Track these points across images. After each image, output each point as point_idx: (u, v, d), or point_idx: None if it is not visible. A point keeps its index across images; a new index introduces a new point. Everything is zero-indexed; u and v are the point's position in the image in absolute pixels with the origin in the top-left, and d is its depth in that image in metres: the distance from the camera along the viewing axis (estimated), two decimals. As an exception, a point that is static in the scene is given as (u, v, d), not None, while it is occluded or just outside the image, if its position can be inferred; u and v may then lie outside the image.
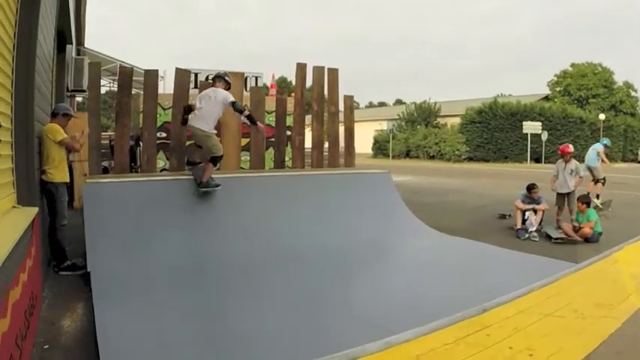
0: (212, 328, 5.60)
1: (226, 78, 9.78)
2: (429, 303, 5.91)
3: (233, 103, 9.37)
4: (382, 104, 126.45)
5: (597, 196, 15.93)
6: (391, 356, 2.67)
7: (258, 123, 9.62)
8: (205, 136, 9.22)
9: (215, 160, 9.33)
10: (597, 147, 17.15)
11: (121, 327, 5.40)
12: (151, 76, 10.31)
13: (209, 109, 9.29)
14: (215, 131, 9.55)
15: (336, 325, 5.79)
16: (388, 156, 58.70)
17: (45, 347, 5.02)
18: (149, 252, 7.58)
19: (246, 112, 9.46)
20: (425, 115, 62.50)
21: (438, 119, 62.19)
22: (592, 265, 4.79)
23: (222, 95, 9.36)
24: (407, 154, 57.95)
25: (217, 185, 9.16)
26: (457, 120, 55.86)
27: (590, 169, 16.53)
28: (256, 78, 14.04)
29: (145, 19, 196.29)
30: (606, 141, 18.11)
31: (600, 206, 15.17)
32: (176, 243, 7.88)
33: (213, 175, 9.27)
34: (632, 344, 2.73)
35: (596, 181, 16.69)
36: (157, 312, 5.90)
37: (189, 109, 9.52)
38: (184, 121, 9.63)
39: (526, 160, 51.58)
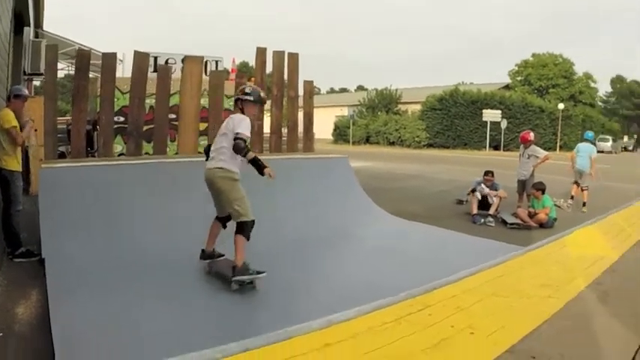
0: (169, 314, 5.56)
1: (246, 98, 7.18)
2: (385, 286, 5.96)
3: (236, 138, 6.71)
4: (343, 90, 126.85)
5: (584, 204, 15.39)
6: (332, 334, 2.68)
7: (265, 170, 6.73)
8: (227, 178, 6.83)
9: (242, 228, 6.69)
10: (591, 152, 15.40)
11: (75, 314, 5.33)
12: (109, 58, 10.07)
13: (226, 142, 6.90)
14: (238, 177, 6.99)
15: (290, 309, 5.81)
16: (349, 142, 58.89)
17: None
18: (105, 238, 7.45)
19: (250, 156, 6.72)
20: (386, 102, 62.93)
21: (399, 106, 62.64)
22: (541, 248, 4.89)
23: (233, 122, 6.93)
24: (367, 140, 58.28)
25: (260, 272, 6.50)
26: (418, 107, 56.28)
27: (581, 173, 15.25)
28: (216, 62, 13.95)
29: (111, 3, 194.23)
30: (591, 135, 16.53)
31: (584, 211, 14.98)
32: (133, 229, 7.78)
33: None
34: (574, 323, 2.79)
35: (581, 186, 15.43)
36: (112, 299, 5.83)
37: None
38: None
39: (485, 148, 52.27)
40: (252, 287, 6.50)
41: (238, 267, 6.43)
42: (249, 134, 6.85)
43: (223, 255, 7.20)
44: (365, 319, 2.68)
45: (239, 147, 6.62)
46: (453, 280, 3.50)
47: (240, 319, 5.58)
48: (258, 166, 6.75)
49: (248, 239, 6.68)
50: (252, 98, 7.17)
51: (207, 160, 7.22)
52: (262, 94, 7.46)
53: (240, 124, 6.80)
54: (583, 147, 15.43)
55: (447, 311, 2.82)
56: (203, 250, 7.24)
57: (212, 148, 7.13)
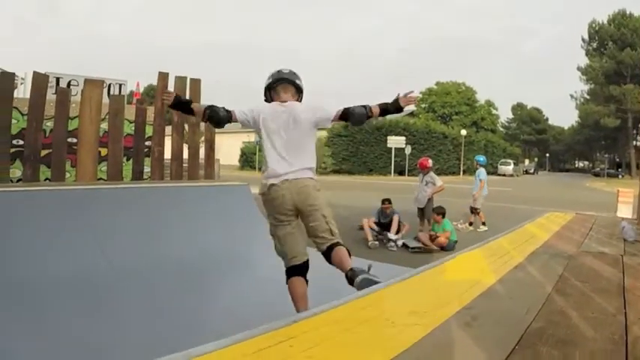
0: (61, 346, 5.54)
1: (297, 81, 5.86)
2: (278, 313, 6.09)
3: (345, 111, 5.62)
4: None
5: (483, 223, 15.98)
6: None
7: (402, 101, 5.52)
8: (316, 187, 5.57)
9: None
10: (480, 175, 16.25)
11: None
12: (7, 79, 9.86)
13: (300, 140, 5.60)
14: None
15: (187, 340, 5.86)
16: (255, 168, 58.84)
17: None
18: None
19: (376, 108, 5.58)
20: (292, 128, 63.05)
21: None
22: (418, 274, 5.02)
23: (307, 111, 5.66)
24: (273, 166, 58.27)
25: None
26: (324, 133, 56.70)
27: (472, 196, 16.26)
28: (120, 85, 13.82)
29: (15, 19, 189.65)
30: (482, 159, 16.94)
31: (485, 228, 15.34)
32: (27, 258, 7.62)
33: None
34: (433, 351, 2.92)
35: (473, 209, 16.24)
36: (2, 331, 5.75)
37: (227, 119, 5.75)
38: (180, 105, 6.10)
39: (390, 173, 53.18)
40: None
41: (357, 268, 5.16)
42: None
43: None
44: (227, 352, 2.75)
45: (358, 112, 5.56)
46: (323, 310, 3.59)
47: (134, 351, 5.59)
48: (387, 109, 5.73)
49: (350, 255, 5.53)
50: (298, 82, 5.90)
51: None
52: (300, 81, 5.91)
53: (323, 105, 5.82)
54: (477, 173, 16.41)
55: (307, 343, 2.90)
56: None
57: (283, 154, 5.46)
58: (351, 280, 5.09)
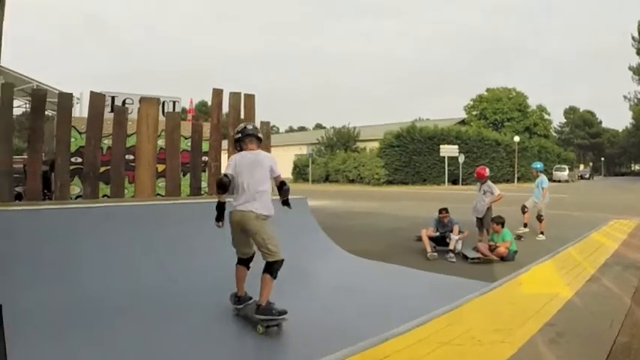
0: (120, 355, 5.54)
1: (258, 135, 7.41)
2: (340, 329, 6.01)
3: (282, 184, 7.28)
4: (302, 129, 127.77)
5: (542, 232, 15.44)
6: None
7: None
8: (261, 220, 6.90)
9: (271, 267, 6.78)
10: (543, 183, 15.79)
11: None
12: (65, 99, 10.04)
13: (263, 181, 7.04)
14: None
15: (243, 349, 5.81)
16: (308, 180, 58.88)
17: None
18: (63, 282, 7.28)
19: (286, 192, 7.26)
20: (344, 140, 63.14)
21: (357, 143, 62.84)
22: (496, 288, 4.92)
23: (270, 160, 7.23)
24: (326, 178, 58.29)
25: (282, 313, 6.45)
26: (376, 144, 56.55)
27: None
28: (174, 103, 13.91)
29: (67, 39, 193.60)
30: (539, 165, 16.72)
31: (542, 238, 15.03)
32: (91, 273, 7.67)
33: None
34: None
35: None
36: (72, 345, 5.77)
37: (221, 184, 7.05)
38: (221, 212, 7.18)
39: (444, 183, 52.74)
40: (277, 329, 6.51)
41: (263, 306, 6.49)
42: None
43: (251, 298, 7.17)
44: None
45: (288, 193, 7.36)
46: (410, 327, 3.52)
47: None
48: (287, 202, 7.39)
49: (274, 277, 6.77)
50: (259, 135, 7.52)
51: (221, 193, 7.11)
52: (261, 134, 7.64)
53: (276, 165, 7.25)
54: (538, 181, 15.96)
55: None
56: (237, 296, 7.27)
57: (243, 189, 6.99)
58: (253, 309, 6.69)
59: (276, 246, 6.83)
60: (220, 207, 7.08)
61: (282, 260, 6.80)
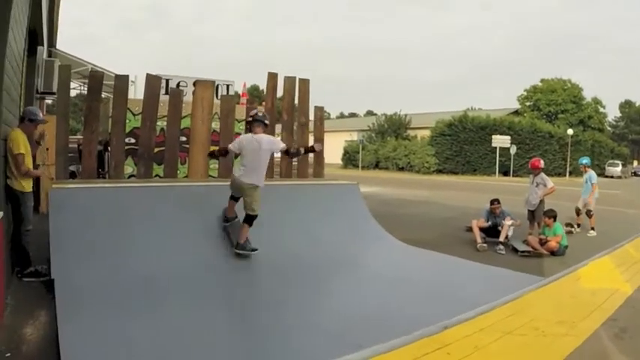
0: (179, 340, 5.54)
1: (265, 121, 8.97)
2: (395, 317, 5.94)
3: (287, 152, 9.52)
4: (353, 115, 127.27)
5: (592, 228, 15.09)
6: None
7: (316, 146, 9.70)
8: (253, 188, 8.59)
9: (251, 219, 8.60)
10: (592, 179, 15.64)
11: (84, 337, 5.31)
12: (122, 81, 10.19)
13: (260, 160, 8.74)
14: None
15: (301, 338, 5.78)
16: (358, 167, 58.78)
17: (7, 355, 4.92)
18: (115, 260, 7.36)
19: (302, 151, 9.78)
20: (395, 127, 62.84)
21: (408, 131, 62.51)
22: (555, 281, 4.83)
23: (268, 143, 8.78)
24: (376, 165, 58.05)
25: (254, 249, 8.52)
26: (427, 132, 56.15)
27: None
28: (227, 86, 13.97)
29: (122, 23, 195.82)
30: (587, 160, 16.55)
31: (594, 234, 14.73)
32: (143, 252, 7.71)
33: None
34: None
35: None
36: (123, 323, 5.80)
37: (225, 152, 9.09)
38: (212, 154, 9.56)
39: (494, 173, 52.03)
40: (248, 256, 8.46)
41: (240, 244, 8.50)
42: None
43: (236, 217, 9.00)
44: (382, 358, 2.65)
45: (294, 152, 9.75)
46: (470, 317, 3.46)
47: (248, 347, 5.57)
48: (298, 152, 9.83)
49: (250, 226, 8.59)
50: (266, 121, 9.03)
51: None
52: (267, 120, 9.17)
53: (276, 141, 9.36)
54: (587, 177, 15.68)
55: (464, 351, 2.78)
56: (226, 217, 9.09)
57: (249, 166, 8.65)
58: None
59: (258, 206, 8.62)
60: (212, 155, 9.62)
61: (257, 215, 8.59)
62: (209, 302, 6.75)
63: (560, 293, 4.45)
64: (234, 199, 9.02)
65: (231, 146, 8.93)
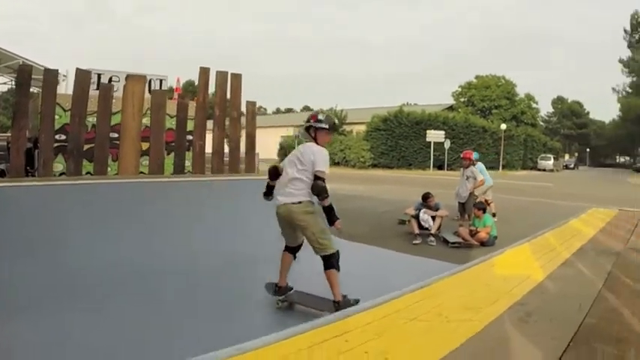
0: (110, 334, 5.54)
1: (318, 125, 6.85)
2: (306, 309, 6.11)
3: (317, 177, 6.54)
4: (289, 110, 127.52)
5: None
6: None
7: (336, 223, 6.62)
8: (305, 212, 6.64)
9: (328, 261, 6.55)
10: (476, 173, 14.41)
11: (14, 338, 5.30)
12: (51, 75, 9.99)
13: (301, 175, 6.63)
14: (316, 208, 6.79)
15: (238, 331, 5.84)
16: (294, 161, 58.84)
17: None
18: (44, 258, 7.33)
19: (327, 202, 6.57)
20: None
21: (344, 126, 62.84)
22: (468, 269, 4.96)
23: (309, 154, 6.64)
24: (312, 160, 58.17)
25: (357, 301, 6.03)
26: (363, 127, 56.64)
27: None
28: (160, 81, 13.86)
29: (60, 17, 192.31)
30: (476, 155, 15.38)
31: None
32: (71, 250, 7.68)
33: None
34: (491, 346, 2.87)
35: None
36: (52, 321, 5.76)
37: (275, 172, 7.12)
38: (269, 191, 7.31)
39: (429, 167, 52.80)
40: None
41: (340, 302, 6.30)
42: (328, 171, 6.68)
43: (292, 288, 7.14)
44: (280, 347, 2.71)
45: (319, 188, 6.48)
46: (375, 304, 3.55)
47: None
48: (331, 214, 6.59)
49: (339, 270, 6.54)
50: (326, 126, 6.88)
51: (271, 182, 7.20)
52: (336, 122, 7.17)
53: (321, 159, 6.59)
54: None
55: (363, 337, 2.85)
56: (277, 285, 7.06)
57: (282, 180, 6.86)
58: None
59: (324, 236, 6.71)
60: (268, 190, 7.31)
61: (335, 253, 6.64)
62: (141, 297, 6.74)
63: (471, 281, 4.59)
64: (288, 249, 7.18)
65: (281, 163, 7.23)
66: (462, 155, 14.27)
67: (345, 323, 3.06)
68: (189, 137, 11.62)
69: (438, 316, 3.39)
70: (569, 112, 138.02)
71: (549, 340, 2.96)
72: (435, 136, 52.99)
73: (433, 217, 12.64)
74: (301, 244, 7.12)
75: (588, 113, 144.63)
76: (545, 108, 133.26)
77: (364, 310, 3.39)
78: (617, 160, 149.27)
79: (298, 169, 6.61)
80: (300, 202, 6.60)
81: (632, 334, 3.15)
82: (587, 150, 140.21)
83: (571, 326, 3.19)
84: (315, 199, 6.67)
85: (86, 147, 10.19)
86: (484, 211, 12.55)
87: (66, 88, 17.20)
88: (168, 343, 5.38)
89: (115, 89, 11.27)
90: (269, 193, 7.28)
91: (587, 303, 3.79)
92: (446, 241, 12.07)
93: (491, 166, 57.89)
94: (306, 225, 6.64)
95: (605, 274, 4.92)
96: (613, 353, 2.84)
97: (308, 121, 6.94)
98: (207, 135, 11.71)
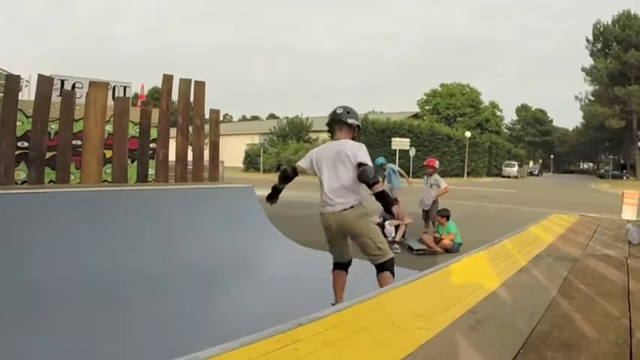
0: (70, 346, 5.54)
1: (349, 121, 6.57)
2: (263, 316, 6.13)
3: (360, 165, 6.02)
4: (255, 118, 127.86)
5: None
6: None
7: (394, 208, 6.02)
8: (360, 217, 6.27)
9: (382, 267, 6.28)
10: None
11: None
12: (12, 80, 9.91)
13: (337, 174, 6.24)
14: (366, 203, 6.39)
15: (195, 342, 5.85)
16: (259, 170, 58.86)
17: None
18: (6, 269, 7.26)
19: (379, 187, 5.99)
20: (297, 130, 63.46)
21: (310, 134, 63.11)
22: (424, 277, 5.01)
23: (345, 150, 6.24)
24: (278, 169, 58.15)
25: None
26: (324, 136, 56.81)
27: None
28: (125, 88, 13.75)
29: (26, 22, 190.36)
30: (382, 160, 15.76)
31: None
32: (34, 261, 7.59)
33: None
34: (440, 354, 2.92)
35: None
36: (12, 333, 5.73)
37: (293, 174, 6.95)
38: (275, 193, 7.26)
39: (394, 175, 52.82)
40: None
41: None
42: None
43: None
44: (231, 355, 2.75)
45: (369, 171, 5.93)
46: (328, 313, 3.59)
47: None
48: (386, 201, 6.12)
49: (394, 276, 6.22)
50: (359, 124, 6.74)
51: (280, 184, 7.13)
52: (353, 120, 6.69)
53: (360, 151, 6.22)
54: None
55: (313, 346, 2.89)
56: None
57: (327, 187, 6.29)
58: None
59: (381, 241, 6.47)
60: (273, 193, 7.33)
61: (392, 258, 6.42)
62: (100, 311, 6.71)
63: (425, 289, 4.62)
64: (338, 266, 6.81)
65: (300, 162, 6.88)
66: (425, 163, 14.40)
67: (297, 332, 3.09)
68: (153, 145, 11.60)
69: (390, 325, 3.43)
70: (534, 120, 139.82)
71: (498, 346, 3.02)
72: (400, 143, 53.23)
73: (396, 227, 12.77)
74: (351, 260, 6.84)
75: (552, 121, 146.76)
76: (509, 115, 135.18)
77: (315, 319, 3.43)
78: (581, 167, 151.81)
79: (341, 171, 6.21)
80: (352, 207, 6.18)
81: (582, 340, 3.21)
82: (552, 157, 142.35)
83: (522, 333, 3.25)
84: (361, 197, 6.31)
85: (49, 154, 10.11)
86: (448, 218, 12.69)
87: (29, 94, 17.01)
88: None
89: (78, 96, 11.22)
90: (274, 196, 7.26)
91: (540, 310, 3.84)
92: (410, 249, 12.18)
93: (456, 174, 58.69)
94: (363, 231, 6.24)
95: (561, 280, 5.00)
96: (562, 359, 2.91)
97: (336, 116, 6.62)
98: (170, 143, 11.66)
